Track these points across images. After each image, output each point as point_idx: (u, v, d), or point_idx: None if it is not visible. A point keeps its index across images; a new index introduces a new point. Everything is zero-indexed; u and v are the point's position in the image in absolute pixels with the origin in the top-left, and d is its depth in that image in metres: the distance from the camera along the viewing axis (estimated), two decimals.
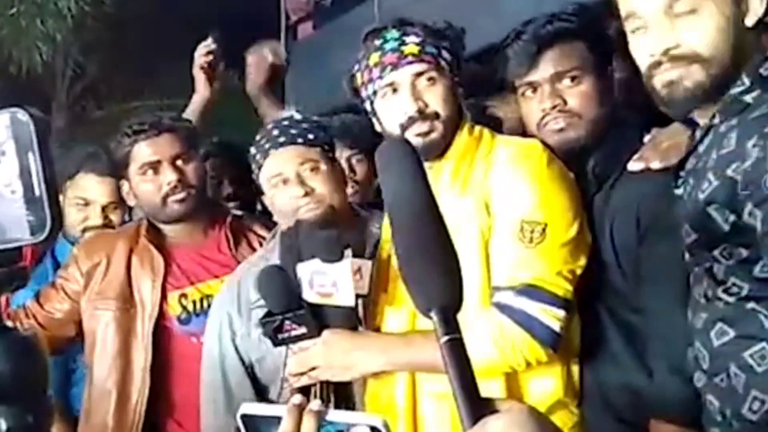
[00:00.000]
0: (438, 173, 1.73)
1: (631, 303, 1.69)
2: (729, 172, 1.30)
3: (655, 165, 1.63)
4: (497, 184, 1.69)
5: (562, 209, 1.66)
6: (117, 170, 2.34)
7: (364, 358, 1.71)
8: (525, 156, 1.70)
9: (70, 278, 2.31)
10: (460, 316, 0.77)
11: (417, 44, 1.73)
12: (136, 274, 2.25)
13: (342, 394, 1.78)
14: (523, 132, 1.90)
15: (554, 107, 1.76)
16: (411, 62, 1.72)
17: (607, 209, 1.72)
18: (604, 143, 1.77)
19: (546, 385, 1.69)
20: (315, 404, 0.82)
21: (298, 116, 1.97)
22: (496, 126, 1.99)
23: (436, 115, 1.72)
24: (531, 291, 1.61)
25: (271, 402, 1.89)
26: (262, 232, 2.32)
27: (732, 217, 1.31)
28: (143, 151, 2.21)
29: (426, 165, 0.96)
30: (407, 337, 1.71)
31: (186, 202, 2.23)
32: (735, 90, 1.36)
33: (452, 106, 1.75)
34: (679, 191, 1.49)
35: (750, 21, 1.36)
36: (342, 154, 2.41)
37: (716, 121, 1.39)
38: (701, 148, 1.42)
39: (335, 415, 0.82)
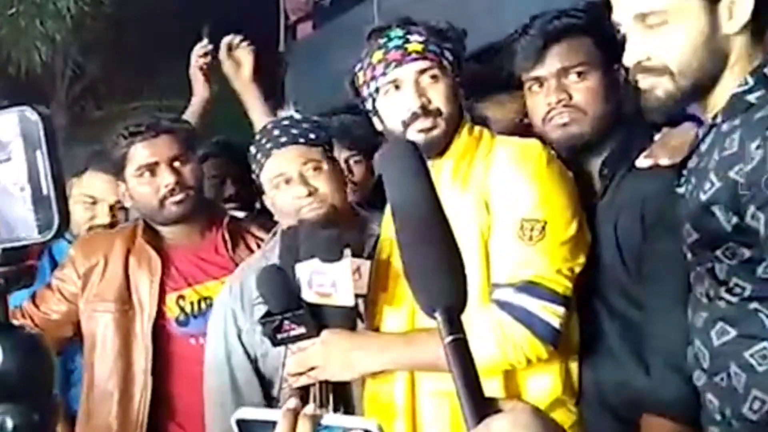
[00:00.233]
0: (438, 171, 1.73)
1: (633, 300, 1.70)
2: (731, 173, 1.30)
3: (664, 162, 1.63)
4: (497, 183, 1.70)
5: (561, 207, 1.67)
6: (113, 171, 2.33)
7: (364, 357, 1.71)
8: (524, 155, 1.71)
9: (67, 280, 2.30)
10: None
11: (421, 42, 1.74)
12: (133, 274, 2.24)
13: (341, 394, 1.78)
14: (513, 133, 1.92)
15: (559, 102, 1.77)
16: (415, 59, 1.73)
17: (613, 205, 1.73)
18: (612, 142, 1.78)
19: (544, 384, 1.69)
20: (310, 408, 0.83)
21: (297, 116, 1.97)
22: (485, 127, 1.99)
23: (439, 112, 1.73)
24: (531, 288, 1.61)
25: (275, 399, 1.89)
26: (260, 233, 2.31)
27: (734, 219, 1.31)
28: (140, 152, 2.19)
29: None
30: (407, 336, 1.71)
31: (184, 204, 2.21)
32: (739, 89, 1.36)
33: (454, 105, 1.76)
34: (681, 190, 1.49)
35: (732, 28, 1.35)
36: (340, 154, 2.41)
37: (719, 120, 1.39)
38: (703, 147, 1.43)
39: (331, 419, 0.82)
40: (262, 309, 1.75)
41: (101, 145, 2.51)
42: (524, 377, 1.69)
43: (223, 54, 2.61)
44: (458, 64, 1.79)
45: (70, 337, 2.32)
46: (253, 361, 1.96)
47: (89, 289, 2.26)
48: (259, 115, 2.53)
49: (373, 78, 1.76)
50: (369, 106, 1.83)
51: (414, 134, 1.71)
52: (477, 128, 1.81)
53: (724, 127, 1.37)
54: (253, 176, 1.99)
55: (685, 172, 1.49)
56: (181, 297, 2.24)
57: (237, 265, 2.21)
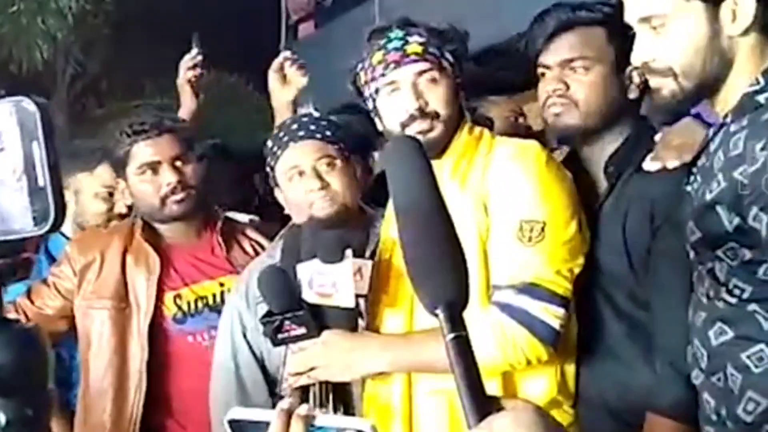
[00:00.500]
0: (437, 171, 1.73)
1: (638, 300, 1.70)
2: (736, 174, 1.31)
3: (671, 164, 1.64)
4: (495, 183, 1.70)
5: (560, 208, 1.67)
6: (114, 169, 2.34)
7: (364, 359, 1.71)
8: (523, 155, 1.70)
9: (63, 276, 2.31)
10: None
11: (420, 44, 1.74)
12: (130, 272, 2.24)
13: (340, 395, 1.77)
14: (508, 131, 1.93)
15: (555, 91, 1.80)
16: (414, 61, 1.73)
17: (620, 206, 1.73)
18: (614, 139, 1.79)
19: (540, 385, 1.69)
20: (303, 409, 0.82)
21: (316, 114, 2.00)
22: (489, 127, 2.00)
23: (437, 115, 1.73)
24: (532, 290, 1.61)
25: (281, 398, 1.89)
26: (255, 235, 2.34)
27: (737, 220, 1.31)
28: (143, 150, 2.20)
29: None
30: (407, 337, 1.71)
31: (185, 203, 2.22)
32: (750, 89, 1.36)
33: (452, 107, 1.76)
34: (689, 188, 1.50)
35: (735, 30, 1.36)
36: None
37: (728, 119, 1.39)
38: (712, 147, 1.43)
39: (324, 419, 0.82)
40: (264, 308, 1.75)
41: (102, 142, 2.51)
42: (520, 378, 1.69)
43: (274, 68, 2.41)
44: (459, 65, 1.79)
45: (64, 331, 2.32)
46: (260, 360, 1.97)
47: (85, 286, 2.26)
48: None
49: (374, 79, 1.77)
50: (370, 106, 1.83)
51: None
52: (477, 128, 1.81)
53: (732, 127, 1.37)
54: (267, 170, 2.00)
55: (694, 170, 1.49)
56: (179, 296, 2.25)
57: (232, 266, 2.23)
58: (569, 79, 1.79)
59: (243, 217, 2.55)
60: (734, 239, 1.33)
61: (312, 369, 1.72)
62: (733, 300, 1.37)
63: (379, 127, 1.86)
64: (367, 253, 1.82)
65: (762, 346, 1.33)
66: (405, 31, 1.76)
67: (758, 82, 1.36)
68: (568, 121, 1.79)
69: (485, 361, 1.57)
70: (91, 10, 8.06)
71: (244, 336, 1.98)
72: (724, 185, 1.33)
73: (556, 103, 1.80)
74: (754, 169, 1.27)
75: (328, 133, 1.94)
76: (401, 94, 1.74)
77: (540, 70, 1.85)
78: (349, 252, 1.67)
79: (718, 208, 1.34)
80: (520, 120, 2.97)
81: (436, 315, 0.76)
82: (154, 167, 2.20)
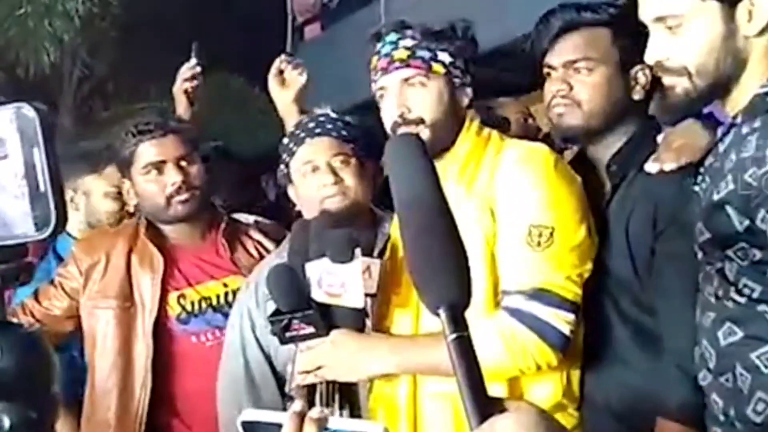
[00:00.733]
0: (441, 174, 1.72)
1: (643, 303, 1.69)
2: (746, 176, 1.30)
3: (668, 167, 1.63)
4: (503, 188, 1.68)
5: (569, 212, 1.65)
6: (119, 169, 2.35)
7: (372, 360, 1.70)
8: (531, 159, 1.69)
9: (70, 276, 2.32)
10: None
11: (408, 48, 1.73)
12: (135, 272, 2.26)
13: (347, 394, 1.77)
14: (517, 133, 1.92)
15: (559, 91, 1.80)
16: (398, 68, 1.73)
17: (624, 208, 1.73)
18: (618, 139, 1.79)
19: (546, 388, 1.69)
20: (316, 412, 0.81)
21: (333, 114, 2.02)
22: (504, 129, 2.00)
23: (421, 120, 1.72)
24: (542, 295, 1.61)
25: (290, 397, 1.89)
26: (258, 236, 2.35)
27: (746, 222, 1.31)
28: (149, 150, 2.22)
29: None
30: (415, 340, 1.71)
31: (190, 203, 2.24)
32: (761, 90, 1.36)
33: (443, 110, 1.74)
34: (696, 188, 1.49)
35: (751, 30, 1.36)
36: None
37: (739, 120, 1.39)
38: (721, 147, 1.43)
39: (336, 422, 0.81)
40: (273, 306, 1.75)
41: (108, 143, 2.52)
42: (526, 381, 1.68)
43: (273, 72, 2.43)
44: (463, 62, 1.78)
45: (71, 331, 2.33)
46: (268, 356, 1.97)
47: (91, 285, 2.28)
48: None
49: (374, 82, 1.80)
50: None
51: None
52: (486, 130, 1.80)
53: (744, 128, 1.36)
54: (281, 166, 2.02)
55: (702, 170, 1.48)
56: (182, 296, 2.26)
57: (236, 266, 2.25)
58: (573, 80, 1.79)
59: (248, 219, 2.56)
60: (744, 239, 1.32)
61: (319, 368, 1.72)
62: (743, 300, 1.36)
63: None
64: (376, 252, 1.81)
65: None
66: (399, 34, 1.75)
67: None
68: (571, 121, 1.79)
69: (495, 366, 1.58)
70: (98, 12, 8.09)
71: (253, 332, 1.99)
72: (732, 187, 1.33)
73: (559, 104, 1.80)
74: (764, 170, 1.27)
75: (344, 132, 1.97)
76: (389, 100, 1.76)
77: (546, 70, 1.86)
78: (358, 251, 1.66)
79: (728, 209, 1.33)
80: (530, 121, 2.97)
81: (438, 315, 0.76)
82: (159, 167, 2.22)
